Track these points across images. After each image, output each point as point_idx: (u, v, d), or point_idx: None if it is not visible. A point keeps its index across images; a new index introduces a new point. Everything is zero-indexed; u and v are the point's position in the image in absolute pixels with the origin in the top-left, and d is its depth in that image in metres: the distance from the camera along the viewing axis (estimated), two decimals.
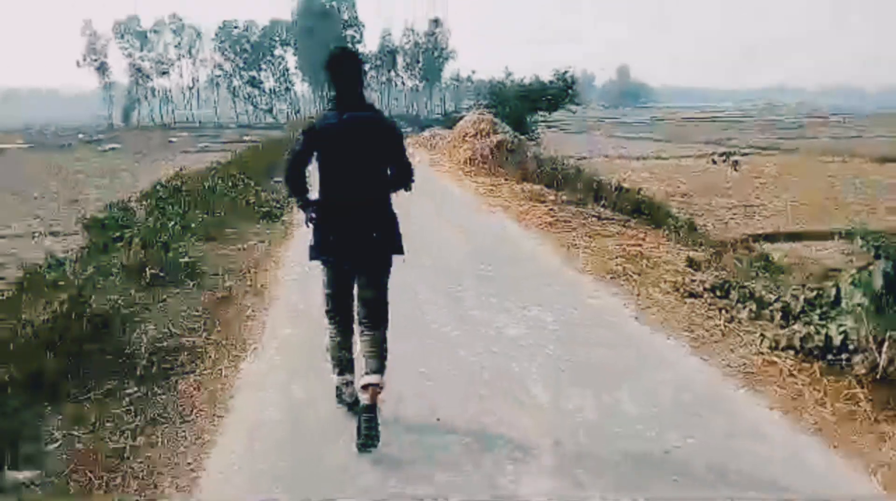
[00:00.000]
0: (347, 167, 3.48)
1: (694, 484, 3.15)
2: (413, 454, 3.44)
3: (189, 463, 3.33)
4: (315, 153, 3.52)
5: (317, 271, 3.82)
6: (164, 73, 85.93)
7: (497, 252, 8.25)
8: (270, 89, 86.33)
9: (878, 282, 4.21)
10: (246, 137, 47.97)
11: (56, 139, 55.92)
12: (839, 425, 3.63)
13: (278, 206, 11.33)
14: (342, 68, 3.53)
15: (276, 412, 3.90)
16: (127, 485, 3.11)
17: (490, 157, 16.79)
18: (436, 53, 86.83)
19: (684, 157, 32.31)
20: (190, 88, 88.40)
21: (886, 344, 3.95)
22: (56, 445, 3.42)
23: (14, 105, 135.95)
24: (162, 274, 6.23)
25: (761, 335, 4.69)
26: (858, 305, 4.27)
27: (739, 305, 5.46)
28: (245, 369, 4.52)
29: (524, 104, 25.47)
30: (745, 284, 5.92)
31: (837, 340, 4.27)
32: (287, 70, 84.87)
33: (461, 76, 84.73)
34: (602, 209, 10.96)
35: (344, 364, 3.77)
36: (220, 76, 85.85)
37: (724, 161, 28.02)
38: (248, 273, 6.93)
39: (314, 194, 3.63)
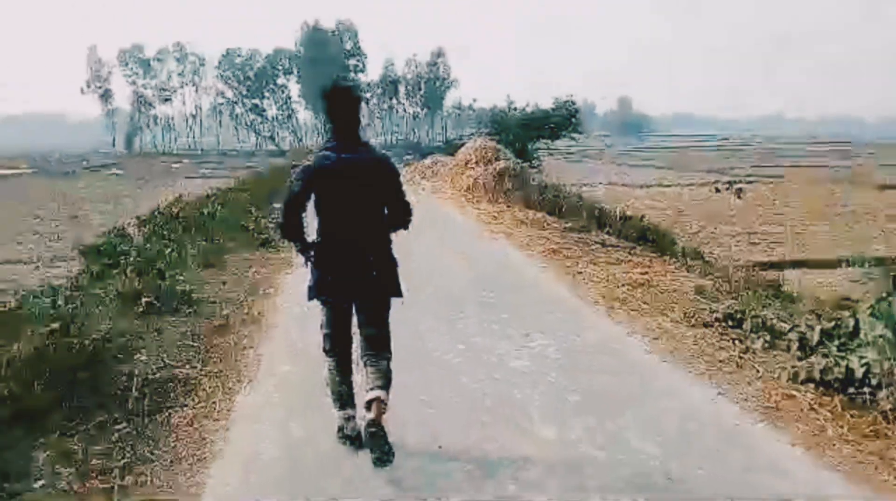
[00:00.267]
0: (345, 208, 3.45)
1: None
2: (415, 481, 3.35)
3: None
4: (312, 194, 3.47)
5: (315, 301, 3.70)
6: (167, 100, 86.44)
7: (500, 279, 8.09)
8: (273, 117, 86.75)
9: None
10: (248, 164, 48.04)
11: (60, 166, 56.03)
12: (866, 463, 3.44)
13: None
14: (340, 104, 3.51)
15: (272, 447, 3.72)
16: None
17: (492, 184, 16.69)
18: (437, 82, 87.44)
19: (687, 185, 32.30)
20: (193, 116, 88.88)
21: None
22: (40, 484, 3.23)
23: (19, 129, 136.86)
24: (157, 302, 6.05)
25: (780, 366, 4.51)
26: (880, 336, 4.11)
27: (753, 335, 5.28)
28: (240, 402, 4.34)
29: (526, 132, 25.47)
30: (758, 313, 5.73)
31: (859, 372, 4.10)
32: (290, 98, 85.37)
33: (463, 104, 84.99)
34: (606, 236, 10.81)
35: (345, 399, 3.68)
36: (222, 104, 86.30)
37: (728, 189, 28.05)
38: (246, 302, 6.76)
39: (311, 235, 3.58)
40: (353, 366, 3.74)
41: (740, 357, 4.90)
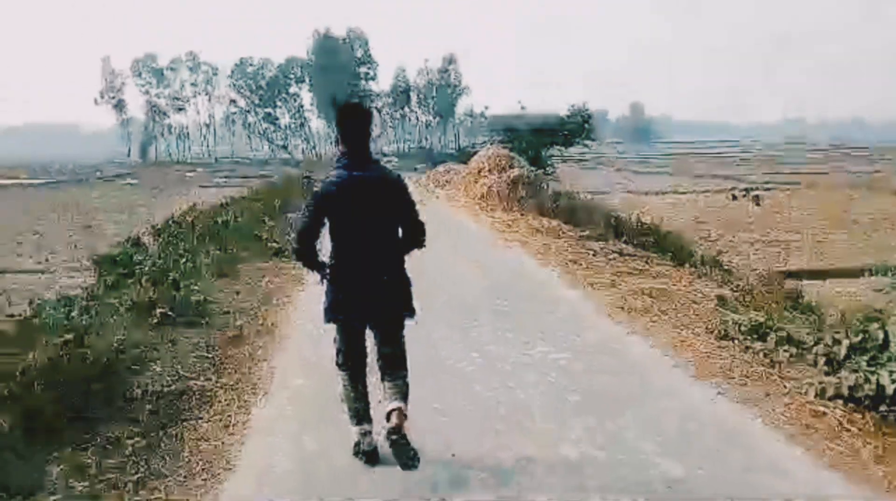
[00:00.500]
0: (358, 228, 3.45)
1: None
2: (428, 491, 3.35)
3: None
4: (326, 216, 3.46)
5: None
6: (181, 109, 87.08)
7: (514, 288, 8.00)
8: (286, 126, 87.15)
9: None
10: (261, 173, 48.23)
11: (74, 175, 56.54)
12: None
13: (290, 242, 11.16)
14: (351, 122, 3.51)
15: (286, 461, 3.64)
16: None
17: (506, 192, 16.60)
18: (449, 90, 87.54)
19: (702, 192, 32.06)
20: (206, 125, 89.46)
21: None
22: (53, 499, 3.17)
23: (23, 140, 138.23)
24: (171, 313, 6.00)
25: (807, 382, 4.38)
26: None
27: (778, 348, 5.14)
28: (255, 414, 4.27)
29: (540, 139, 25.35)
30: (782, 325, 5.59)
31: (891, 389, 3.96)
32: (302, 107, 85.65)
33: (475, 112, 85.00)
34: (623, 245, 10.68)
35: (361, 414, 3.65)
36: (235, 113, 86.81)
37: (745, 196, 27.80)
38: (260, 312, 6.70)
39: (324, 254, 3.57)
40: (368, 380, 3.70)
41: (765, 372, 4.77)
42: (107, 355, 4.59)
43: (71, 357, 4.34)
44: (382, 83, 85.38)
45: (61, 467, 3.39)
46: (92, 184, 47.67)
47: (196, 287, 7.06)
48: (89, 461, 3.47)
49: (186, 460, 3.59)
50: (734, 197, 28.11)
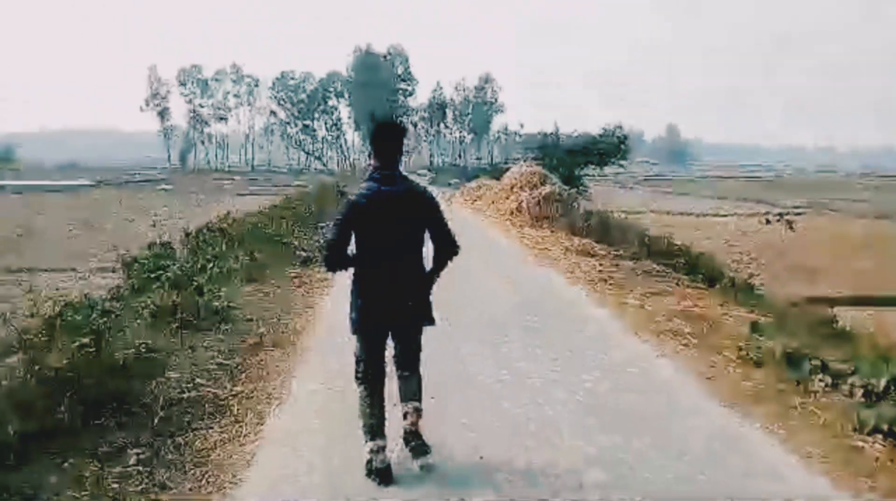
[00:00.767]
0: (385, 241, 3.53)
1: None
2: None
3: None
4: (356, 229, 3.53)
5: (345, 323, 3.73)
6: (223, 119, 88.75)
7: (543, 306, 7.84)
8: (322, 138, 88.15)
9: None
10: (297, 183, 48.69)
11: (114, 178, 57.72)
12: None
13: (319, 250, 11.14)
14: (386, 140, 3.60)
15: (299, 476, 3.54)
16: None
17: (537, 209, 16.46)
18: (485, 107, 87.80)
19: (736, 215, 31.52)
20: (246, 135, 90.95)
21: None
22: None
23: (75, 143, 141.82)
24: (193, 318, 5.97)
25: (846, 415, 4.16)
26: None
27: (812, 377, 4.91)
28: (269, 425, 4.18)
29: (573, 158, 25.24)
30: (816, 354, 5.36)
31: None
32: (340, 120, 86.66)
33: (509, 129, 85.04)
34: (655, 266, 10.45)
35: (376, 429, 3.61)
36: (275, 124, 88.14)
37: (778, 221, 27.21)
38: (283, 320, 6.64)
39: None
40: (386, 395, 3.69)
41: (801, 402, 4.55)
42: (123, 359, 4.54)
43: (88, 361, 4.29)
44: (420, 99, 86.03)
45: (54, 478, 3.28)
46: (129, 188, 48.58)
47: (220, 293, 7.02)
48: (93, 469, 3.39)
49: (193, 472, 3.49)
50: (767, 221, 27.54)
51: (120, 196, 39.50)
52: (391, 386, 3.79)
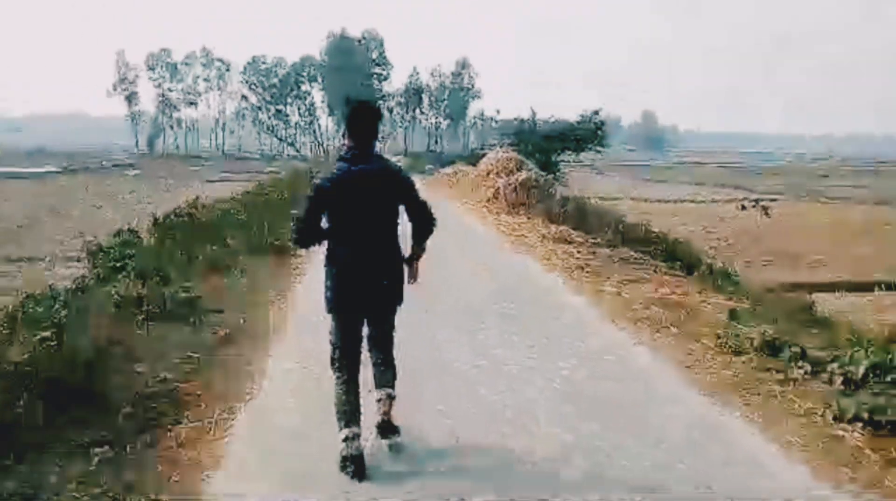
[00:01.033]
0: (358, 220, 3.53)
1: None
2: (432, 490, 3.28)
3: None
4: (326, 209, 3.54)
5: (319, 314, 3.75)
6: (192, 104, 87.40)
7: (520, 293, 7.76)
8: (295, 123, 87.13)
9: None
10: (269, 169, 48.09)
11: (80, 164, 56.61)
12: None
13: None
14: (361, 120, 3.58)
15: (269, 472, 3.41)
16: None
17: (514, 195, 16.35)
18: (462, 93, 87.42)
19: (713, 202, 31.77)
20: (217, 120, 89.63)
21: None
22: None
23: (41, 129, 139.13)
24: (159, 309, 5.77)
25: (824, 404, 4.11)
26: None
27: (792, 365, 4.87)
28: (239, 420, 4.03)
29: (550, 144, 25.17)
30: (796, 341, 5.33)
31: None
32: (313, 105, 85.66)
33: (486, 115, 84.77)
34: (632, 253, 10.40)
35: (349, 416, 3.55)
36: (246, 109, 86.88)
37: (754, 207, 27.46)
38: (254, 310, 6.46)
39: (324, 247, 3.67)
40: (361, 382, 3.67)
41: (780, 390, 4.50)
42: (86, 353, 4.35)
43: (49, 355, 4.10)
44: (395, 84, 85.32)
45: (11, 483, 3.09)
46: (97, 174, 47.69)
47: (189, 283, 6.83)
48: (50, 470, 3.22)
49: (160, 471, 3.33)
50: (743, 207, 27.79)
51: (87, 182, 38.74)
52: (366, 374, 3.74)
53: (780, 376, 4.76)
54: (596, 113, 25.93)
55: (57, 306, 5.08)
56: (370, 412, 3.68)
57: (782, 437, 3.87)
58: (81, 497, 3.01)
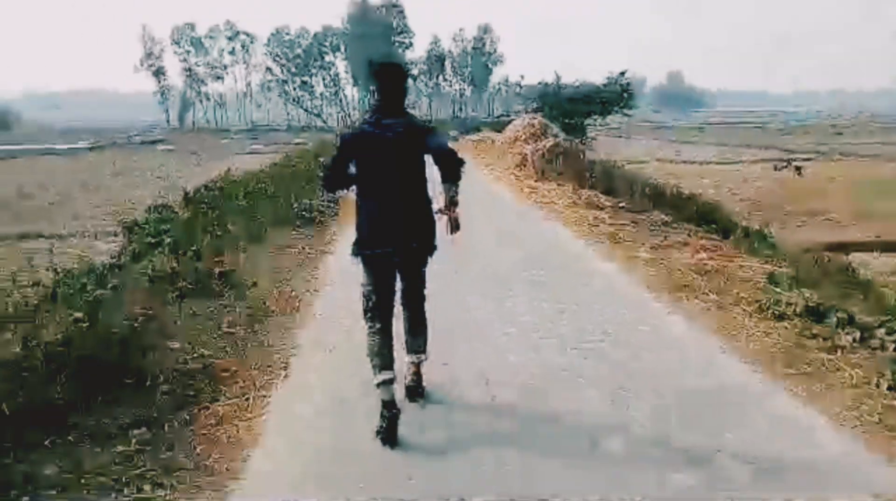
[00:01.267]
0: (383, 171, 3.60)
1: None
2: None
3: None
4: (354, 160, 3.65)
5: (352, 287, 3.85)
6: (219, 78, 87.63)
7: (549, 262, 7.64)
8: (321, 94, 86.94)
9: None
10: (296, 141, 48.12)
11: (113, 140, 57.18)
12: None
13: (322, 210, 10.91)
14: (388, 79, 3.63)
15: (306, 452, 3.39)
16: None
17: (542, 161, 16.12)
18: (484, 58, 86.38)
19: (743, 162, 31.12)
20: (244, 93, 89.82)
21: None
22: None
23: (75, 105, 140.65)
24: (193, 285, 5.77)
25: (877, 372, 3.97)
26: None
27: (839, 330, 4.72)
28: (275, 397, 4.01)
29: (576, 108, 24.68)
30: (841, 306, 5.16)
31: None
32: (337, 75, 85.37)
33: (510, 81, 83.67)
34: (664, 217, 10.20)
35: (384, 360, 3.65)
36: (272, 81, 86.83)
37: (786, 167, 26.82)
38: (286, 283, 6.45)
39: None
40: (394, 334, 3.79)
41: (827, 359, 4.36)
42: (121, 331, 4.35)
43: (82, 335, 4.11)
44: (417, 52, 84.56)
45: (50, 467, 3.10)
46: (130, 149, 48.14)
47: (221, 257, 6.82)
48: (89, 451, 3.23)
49: (198, 451, 3.32)
50: (776, 168, 27.15)
51: (117, 157, 39.14)
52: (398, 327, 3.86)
53: (827, 343, 4.61)
54: (622, 74, 25.31)
55: (90, 284, 5.08)
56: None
57: (832, 408, 3.73)
58: (120, 479, 3.00)
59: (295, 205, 10.50)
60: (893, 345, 4.33)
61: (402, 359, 3.89)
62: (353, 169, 3.67)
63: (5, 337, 4.23)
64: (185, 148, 45.93)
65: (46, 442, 3.23)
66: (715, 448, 3.34)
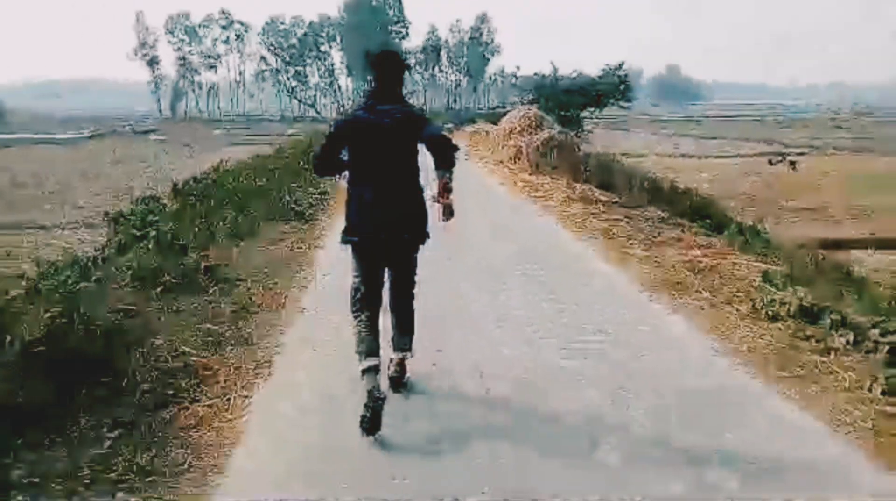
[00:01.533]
0: (375, 158, 3.59)
1: None
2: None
3: None
4: (346, 146, 3.66)
5: (344, 282, 3.88)
6: (212, 67, 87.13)
7: (543, 257, 7.56)
8: (315, 84, 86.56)
9: None
10: (290, 132, 47.83)
11: (106, 129, 56.81)
12: None
13: (313, 204, 10.80)
14: (385, 67, 3.66)
15: (290, 451, 3.30)
16: None
17: (537, 154, 16.00)
18: (481, 48, 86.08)
19: (738, 156, 31.08)
20: (237, 83, 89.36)
21: None
22: None
23: (66, 95, 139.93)
24: (178, 280, 5.65)
25: (871, 376, 3.90)
26: None
27: (833, 332, 4.64)
28: (257, 398, 3.91)
29: (572, 100, 24.57)
30: (836, 307, 5.08)
31: None
32: (333, 66, 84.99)
33: (506, 72, 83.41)
34: (659, 213, 10.12)
35: (370, 346, 3.66)
36: (266, 71, 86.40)
37: (781, 162, 26.81)
38: (274, 280, 6.34)
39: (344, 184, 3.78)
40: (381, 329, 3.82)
41: (821, 361, 4.29)
42: (102, 328, 4.25)
43: (62, 330, 4.01)
44: (414, 42, 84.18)
45: (21, 469, 2.99)
46: (122, 138, 47.84)
47: (208, 252, 6.71)
48: (61, 456, 3.12)
49: (176, 453, 3.21)
50: (770, 163, 27.15)
51: (114, 146, 38.91)
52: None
53: (820, 345, 4.54)
54: (619, 66, 25.19)
55: (72, 278, 4.96)
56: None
57: (827, 413, 3.64)
58: (93, 483, 2.90)
59: (285, 198, 10.39)
60: (887, 348, 4.24)
61: (387, 355, 3.87)
62: (345, 155, 3.67)
63: None
64: (177, 139, 45.58)
65: (19, 442, 3.12)
66: (708, 459, 3.25)
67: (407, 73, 3.91)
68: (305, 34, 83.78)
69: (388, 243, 3.68)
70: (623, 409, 3.77)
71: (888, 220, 14.78)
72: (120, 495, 2.84)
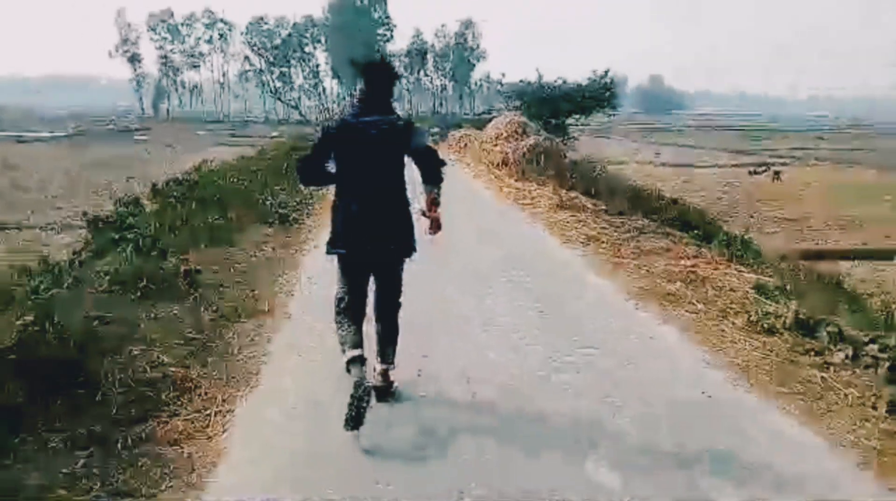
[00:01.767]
0: (363, 167, 3.55)
1: None
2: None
3: None
4: (332, 154, 3.62)
5: (331, 288, 3.86)
6: (195, 66, 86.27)
7: (529, 263, 7.45)
8: (300, 86, 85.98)
9: None
10: (273, 134, 47.45)
11: (87, 127, 56.06)
12: None
13: (297, 207, 10.61)
14: (377, 76, 3.63)
15: (271, 469, 3.14)
16: None
17: (522, 160, 15.92)
18: (466, 53, 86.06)
19: (722, 166, 31.22)
20: (220, 83, 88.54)
21: None
22: None
23: (51, 91, 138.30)
24: (156, 285, 5.46)
25: (873, 394, 3.81)
26: None
27: (831, 347, 4.56)
28: (240, 412, 3.74)
29: (557, 107, 24.53)
30: (832, 320, 5.00)
31: None
32: (317, 67, 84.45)
33: (492, 78, 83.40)
34: (647, 221, 10.05)
35: (354, 341, 3.65)
36: (249, 71, 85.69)
37: (764, 172, 26.96)
38: (257, 287, 6.15)
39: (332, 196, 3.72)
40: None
41: (821, 377, 4.19)
42: (77, 336, 4.05)
43: (35, 338, 3.81)
44: (399, 45, 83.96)
45: None
46: (104, 138, 47.15)
47: (188, 256, 6.52)
48: (29, 473, 2.95)
49: (153, 472, 3.04)
50: (754, 172, 27.29)
51: (96, 145, 38.31)
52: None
53: (818, 359, 4.45)
54: (606, 73, 25.21)
55: (44, 284, 4.76)
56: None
57: (829, 431, 3.54)
58: None
59: (268, 201, 10.20)
60: (888, 363, 4.15)
61: (372, 364, 3.81)
62: (332, 167, 3.63)
63: None
64: (159, 138, 45.01)
65: None
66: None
67: (397, 82, 3.87)
68: (290, 35, 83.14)
69: (374, 256, 3.68)
70: (610, 417, 3.71)
71: (876, 230, 14.86)
72: None
